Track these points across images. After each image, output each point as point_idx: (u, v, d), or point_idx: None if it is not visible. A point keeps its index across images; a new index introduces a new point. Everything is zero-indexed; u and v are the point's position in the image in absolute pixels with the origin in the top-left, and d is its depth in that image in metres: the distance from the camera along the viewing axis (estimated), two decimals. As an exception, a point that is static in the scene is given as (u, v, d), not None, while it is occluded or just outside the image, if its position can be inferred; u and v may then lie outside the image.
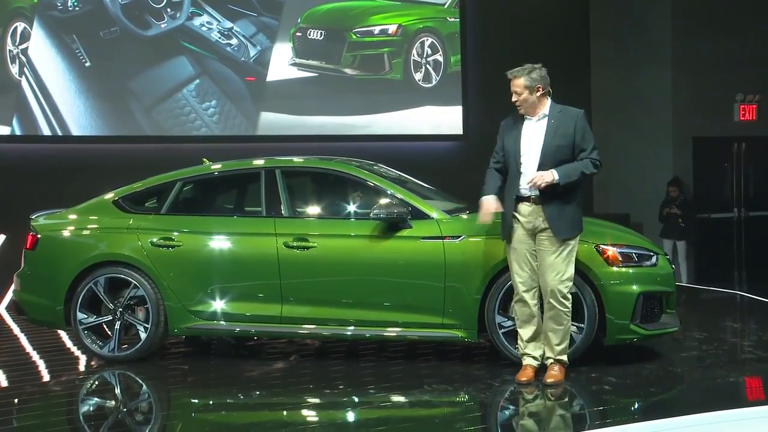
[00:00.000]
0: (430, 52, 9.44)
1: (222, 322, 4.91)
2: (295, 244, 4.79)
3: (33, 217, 5.33)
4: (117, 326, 4.98)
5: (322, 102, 9.07)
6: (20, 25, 8.10)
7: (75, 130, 8.32)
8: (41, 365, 5.30)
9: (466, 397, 4.23)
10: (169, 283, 4.92)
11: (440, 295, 4.64)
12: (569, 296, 4.30)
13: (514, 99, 4.35)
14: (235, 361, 5.13)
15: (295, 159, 5.25)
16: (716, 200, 9.88)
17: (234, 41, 8.82)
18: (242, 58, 8.86)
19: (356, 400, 4.25)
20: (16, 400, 4.41)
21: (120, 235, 5.03)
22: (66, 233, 5.17)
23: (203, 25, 8.72)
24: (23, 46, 8.11)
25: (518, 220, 4.33)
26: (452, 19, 9.55)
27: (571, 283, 4.30)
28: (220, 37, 8.77)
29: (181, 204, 5.21)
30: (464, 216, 4.89)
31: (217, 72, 8.76)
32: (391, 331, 4.74)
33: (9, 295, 7.08)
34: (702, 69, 9.50)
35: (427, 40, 9.44)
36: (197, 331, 5.01)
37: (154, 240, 4.97)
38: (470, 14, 9.69)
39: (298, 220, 4.94)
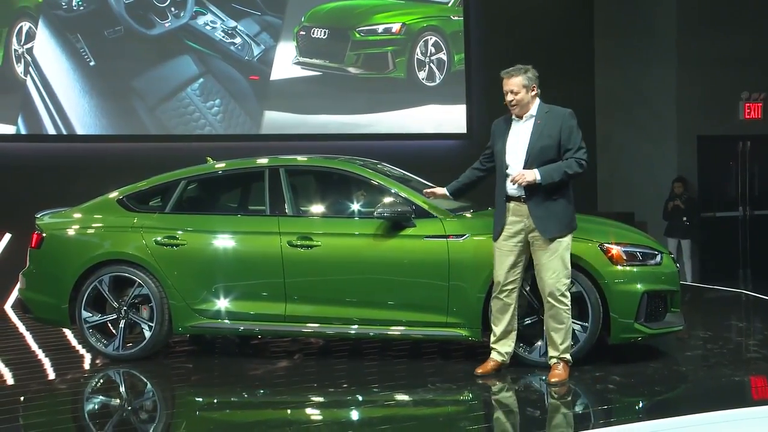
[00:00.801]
0: (433, 50, 9.43)
1: (226, 321, 4.92)
2: (299, 242, 4.79)
3: (38, 215, 5.35)
4: (121, 325, 4.99)
5: (326, 101, 9.07)
6: (25, 25, 8.12)
7: (79, 129, 8.34)
8: (47, 363, 5.32)
9: (470, 395, 4.23)
10: (173, 281, 4.92)
11: (444, 294, 4.63)
12: (568, 294, 4.32)
13: (509, 98, 4.36)
14: (240, 360, 5.14)
15: (299, 158, 5.25)
16: (721, 199, 9.86)
17: (238, 40, 8.83)
18: (246, 57, 8.86)
19: (360, 398, 4.25)
20: (22, 398, 4.43)
21: (124, 233, 5.04)
22: (71, 232, 5.19)
23: (207, 24, 8.73)
24: (28, 45, 8.13)
25: (508, 221, 4.36)
26: (456, 18, 9.54)
27: (568, 281, 4.31)
28: (223, 36, 8.78)
29: (185, 203, 5.22)
30: (468, 215, 4.89)
31: (221, 71, 8.77)
32: (395, 330, 4.74)
33: (15, 294, 7.10)
34: (707, 67, 9.47)
35: (431, 38, 9.43)
36: (201, 330, 5.02)
37: (159, 239, 4.97)
38: (474, 13, 9.69)
39: (302, 218, 4.94)
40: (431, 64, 9.40)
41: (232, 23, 8.82)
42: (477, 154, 10.20)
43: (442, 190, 4.70)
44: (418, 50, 9.34)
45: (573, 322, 4.54)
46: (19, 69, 8.13)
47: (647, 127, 9.98)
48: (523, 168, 4.29)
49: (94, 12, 8.35)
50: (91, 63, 8.35)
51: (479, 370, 4.44)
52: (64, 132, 8.29)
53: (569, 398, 4.19)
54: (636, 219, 9.46)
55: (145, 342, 4.96)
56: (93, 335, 5.03)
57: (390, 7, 9.36)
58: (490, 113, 9.71)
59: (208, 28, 8.73)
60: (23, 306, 5.36)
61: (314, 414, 4.12)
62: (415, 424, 3.85)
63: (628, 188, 10.16)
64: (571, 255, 4.51)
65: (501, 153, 4.41)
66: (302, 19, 9.06)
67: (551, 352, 4.37)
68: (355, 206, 5.05)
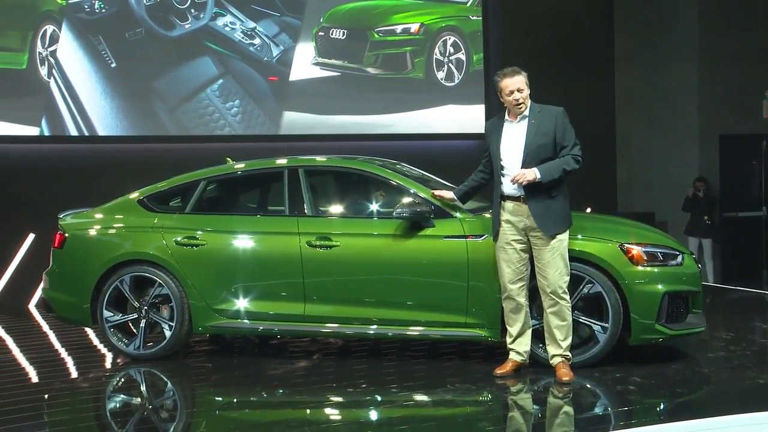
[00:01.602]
0: (452, 50, 9.41)
1: (245, 321, 4.94)
2: (318, 243, 4.81)
3: (61, 216, 5.41)
4: (142, 324, 5.03)
5: (345, 101, 9.09)
6: (49, 28, 8.23)
7: (101, 131, 8.43)
8: (69, 362, 5.38)
9: (490, 396, 4.22)
10: (193, 281, 4.96)
11: (463, 294, 4.62)
12: (567, 291, 4.34)
13: (516, 97, 4.37)
14: (259, 360, 5.16)
15: (318, 158, 5.27)
16: (744, 199, 9.74)
17: (257, 41, 8.87)
18: (265, 58, 8.90)
19: (379, 398, 4.25)
20: (46, 396, 4.49)
21: (145, 234, 5.08)
22: (92, 232, 5.24)
23: (227, 26, 8.78)
24: (52, 48, 8.23)
25: (507, 221, 4.38)
26: (475, 18, 9.51)
27: (568, 278, 4.35)
28: (243, 37, 8.82)
29: (204, 203, 5.25)
30: (487, 215, 4.87)
31: (240, 72, 8.82)
32: (414, 330, 4.73)
33: (38, 293, 7.19)
34: (729, 65, 9.36)
35: (450, 38, 9.41)
36: (221, 330, 5.05)
37: (179, 239, 5.01)
38: (492, 12, 9.65)
39: (321, 219, 4.95)
40: (450, 64, 9.38)
41: (252, 24, 8.87)
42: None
43: (450, 194, 4.72)
44: (436, 50, 9.32)
45: (593, 323, 4.52)
46: (43, 71, 8.23)
47: (668, 127, 9.88)
48: (521, 167, 4.32)
49: (115, 14, 8.44)
50: (113, 65, 8.43)
51: (498, 371, 4.43)
52: (86, 133, 8.39)
53: (589, 399, 4.17)
54: (656, 219, 9.38)
55: (165, 341, 5.00)
56: (114, 334, 5.08)
57: (408, 7, 9.35)
58: (509, 113, 9.74)
59: (227, 29, 8.78)
60: (46, 305, 5.43)
61: (333, 414, 4.13)
62: (433, 425, 3.85)
63: (649, 188, 10.07)
64: (591, 255, 4.50)
65: (496, 154, 4.45)
66: (321, 20, 9.08)
67: (554, 350, 4.37)
68: (374, 206, 5.05)
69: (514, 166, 4.36)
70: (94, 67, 8.40)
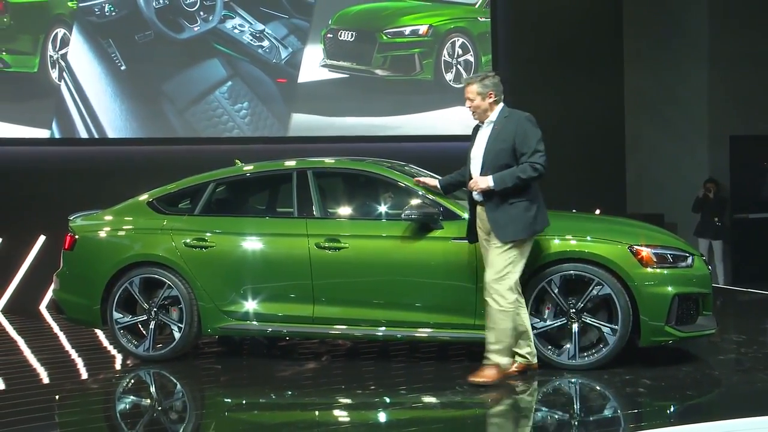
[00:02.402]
0: (460, 52, 9.40)
1: (254, 323, 4.95)
2: (326, 244, 4.81)
3: (71, 218, 5.44)
4: (152, 326, 5.05)
5: (353, 103, 9.10)
6: (60, 31, 8.28)
7: (111, 133, 8.47)
8: (79, 363, 5.41)
9: (498, 398, 4.21)
10: (202, 283, 4.97)
11: (472, 296, 4.62)
12: (507, 297, 4.27)
13: (467, 105, 4.49)
14: (268, 361, 5.17)
15: (327, 160, 5.27)
16: (754, 200, 9.68)
17: (265, 43, 8.90)
18: (274, 60, 8.93)
19: (388, 400, 4.25)
20: (57, 397, 4.52)
21: (154, 235, 5.10)
22: (102, 234, 5.27)
23: (235, 28, 8.81)
24: (63, 51, 8.28)
25: (478, 223, 4.44)
26: (483, 19, 9.50)
27: (509, 283, 4.28)
28: (251, 40, 8.85)
29: (213, 205, 5.27)
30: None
31: (248, 74, 8.84)
32: (423, 332, 4.73)
33: (49, 294, 7.23)
34: (739, 66, 9.31)
35: (458, 40, 9.41)
36: (230, 331, 5.06)
37: (188, 241, 5.03)
38: (501, 14, 9.64)
39: (330, 220, 4.96)
40: (458, 66, 9.38)
41: (260, 26, 8.89)
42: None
43: (434, 182, 4.79)
44: (445, 52, 9.32)
45: (602, 325, 4.51)
46: (54, 74, 8.28)
47: (678, 127, 9.84)
48: (480, 173, 4.36)
49: (125, 17, 8.48)
50: (122, 67, 8.47)
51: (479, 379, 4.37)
52: (96, 135, 8.43)
53: (598, 401, 4.15)
54: (666, 220, 9.34)
55: (174, 343, 5.02)
56: (124, 336, 5.10)
57: (417, 9, 9.35)
58: (517, 114, 9.72)
59: (236, 31, 8.81)
60: (57, 307, 5.45)
61: (342, 415, 4.13)
62: (442, 427, 3.84)
63: (658, 189, 10.02)
64: (600, 257, 4.48)
65: (467, 158, 4.51)
66: (329, 22, 9.10)
67: (486, 351, 4.36)
68: (383, 208, 5.06)
69: (476, 171, 4.41)
70: (104, 69, 8.45)
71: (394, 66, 9.17)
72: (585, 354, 4.53)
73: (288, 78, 8.98)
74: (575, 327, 4.53)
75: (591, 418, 3.90)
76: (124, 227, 5.23)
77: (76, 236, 5.29)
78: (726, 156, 9.49)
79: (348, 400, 4.30)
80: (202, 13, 8.68)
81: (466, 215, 4.72)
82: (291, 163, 5.19)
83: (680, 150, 9.80)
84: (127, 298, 5.11)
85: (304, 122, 9.01)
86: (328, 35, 9.10)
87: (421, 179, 4.84)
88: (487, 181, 4.29)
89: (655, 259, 4.51)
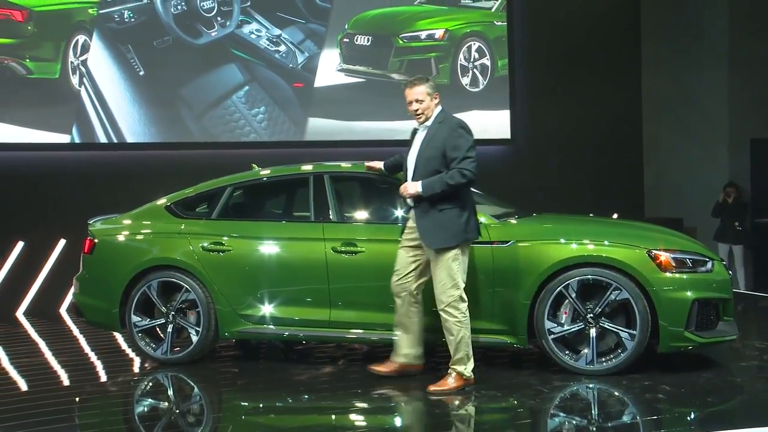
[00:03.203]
0: (477, 56, 9.39)
1: (271, 326, 4.97)
2: (343, 249, 4.82)
3: (90, 222, 5.49)
4: (169, 329, 5.08)
5: (370, 107, 9.11)
6: (81, 38, 8.37)
7: (129, 137, 8.55)
8: (99, 366, 5.45)
9: (515, 403, 4.19)
10: (219, 287, 5.00)
11: (489, 301, 4.61)
12: (459, 307, 4.29)
13: (415, 107, 4.42)
14: (284, 365, 5.18)
15: (343, 164, 5.28)
16: (776, 204, 9.56)
17: (282, 48, 8.94)
18: (290, 65, 8.97)
19: (404, 404, 4.24)
20: (77, 399, 4.57)
21: (172, 239, 5.14)
22: (121, 238, 5.31)
23: (252, 33, 8.86)
24: (83, 57, 8.37)
25: (410, 225, 4.45)
26: (499, 23, 9.48)
27: (456, 292, 4.29)
28: (268, 44, 8.89)
29: (231, 209, 5.29)
30: (513, 221, 4.85)
31: (265, 78, 8.89)
32: (439, 336, 4.71)
33: (69, 297, 7.30)
34: (760, 69, 9.21)
35: (474, 44, 9.39)
36: (247, 335, 5.08)
37: (205, 244, 5.06)
38: (517, 17, 9.61)
39: (347, 225, 4.96)
40: (475, 70, 9.36)
41: (277, 31, 8.94)
42: (521, 159, 10.12)
43: (379, 164, 4.82)
44: (461, 56, 9.31)
45: (620, 330, 4.47)
46: (75, 80, 8.37)
47: (697, 131, 9.75)
48: (412, 178, 4.35)
49: (144, 23, 8.56)
50: (141, 72, 8.55)
51: (377, 369, 4.58)
52: (115, 140, 8.51)
53: (617, 407, 4.12)
54: (685, 225, 9.25)
55: (192, 346, 5.04)
56: (142, 339, 5.14)
57: (433, 13, 9.35)
58: (533, 119, 9.70)
59: (253, 36, 8.86)
60: (77, 310, 5.51)
61: (358, 420, 4.13)
62: (459, 432, 3.83)
63: (677, 193, 9.93)
64: (618, 261, 4.45)
65: (404, 161, 4.51)
66: (346, 27, 9.13)
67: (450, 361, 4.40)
68: (399, 212, 5.06)
69: (409, 176, 4.41)
70: (123, 75, 8.52)
71: (411, 70, 9.17)
72: (603, 359, 4.50)
73: (305, 82, 9.01)
74: (593, 332, 4.50)
75: (609, 424, 3.87)
76: (143, 231, 5.27)
77: (96, 240, 5.34)
78: (746, 159, 9.38)
79: (364, 405, 4.29)
80: (219, 18, 8.74)
81: (482, 219, 4.71)
82: (308, 168, 5.21)
83: (700, 153, 9.70)
84: (146, 302, 5.14)
85: (320, 126, 9.04)
86: (345, 40, 9.13)
87: (369, 164, 4.89)
88: (416, 187, 4.29)
89: (674, 264, 4.47)
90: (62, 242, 8.05)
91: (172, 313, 5.07)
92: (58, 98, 8.34)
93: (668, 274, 4.45)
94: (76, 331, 6.76)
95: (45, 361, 5.66)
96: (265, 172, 5.35)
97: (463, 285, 4.31)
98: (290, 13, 9.00)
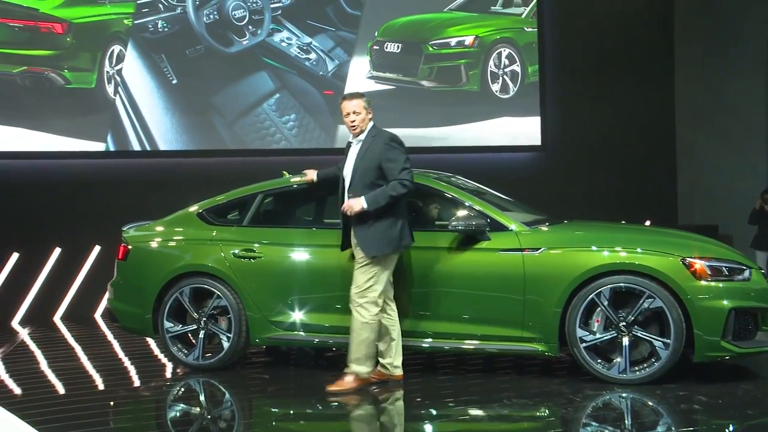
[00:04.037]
0: (507, 62, 9.35)
1: (301, 333, 4.99)
2: (373, 255, 4.82)
3: (124, 228, 5.58)
4: (201, 335, 5.13)
5: (400, 114, 9.11)
6: (116, 48, 8.53)
7: (162, 145, 8.67)
8: (132, 371, 5.53)
9: (547, 411, 4.15)
10: (250, 293, 5.03)
11: (520, 308, 4.57)
12: (370, 309, 4.39)
13: (351, 119, 4.52)
14: (314, 372, 5.20)
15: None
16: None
17: (312, 56, 9.00)
18: (320, 72, 9.02)
19: (434, 412, 4.22)
20: (111, 403, 4.63)
21: (204, 246, 5.19)
22: (154, 244, 5.38)
23: (283, 41, 8.94)
24: (118, 67, 8.53)
25: (351, 237, 4.52)
26: (530, 29, 9.43)
27: (372, 297, 4.41)
28: (299, 52, 8.96)
29: (262, 216, 5.34)
30: (544, 228, 4.81)
31: (296, 86, 8.95)
32: (470, 344, 4.70)
33: (104, 303, 7.42)
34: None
35: (505, 50, 9.36)
36: (277, 341, 5.11)
37: (236, 251, 5.10)
38: (548, 24, 9.55)
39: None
40: (505, 77, 9.32)
41: (307, 39, 9.00)
42: (551, 166, 10.02)
43: (312, 175, 4.95)
44: (491, 62, 9.28)
45: (654, 339, 4.40)
46: (110, 89, 8.53)
47: (733, 137, 9.57)
48: (348, 189, 4.45)
49: (177, 33, 8.69)
50: (174, 81, 8.68)
51: (334, 388, 4.53)
52: (149, 148, 8.64)
53: (651, 418, 4.05)
54: (720, 232, 9.08)
55: (223, 352, 5.08)
56: (174, 345, 5.19)
57: (463, 20, 9.34)
58: (564, 125, 9.62)
59: (283, 44, 8.94)
60: (111, 315, 5.59)
61: (388, 427, 4.11)
62: (490, 441, 3.80)
63: (712, 200, 9.76)
64: (651, 269, 4.38)
65: (340, 174, 4.60)
66: (376, 34, 9.16)
67: (347, 360, 4.50)
68: (430, 219, 5.05)
69: (345, 186, 4.51)
70: (157, 84, 8.66)
71: (441, 77, 9.17)
72: (636, 368, 4.43)
73: (335, 90, 9.06)
74: (626, 340, 4.44)
75: (643, 435, 3.81)
76: (175, 238, 5.34)
77: (129, 246, 5.42)
78: (785, 166, 9.21)
79: (392, 411, 4.28)
80: (250, 27, 8.84)
81: (513, 226, 4.68)
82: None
83: (736, 160, 9.53)
84: (178, 308, 5.20)
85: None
86: (375, 47, 9.16)
87: (305, 171, 5.00)
88: (360, 203, 4.37)
89: (709, 272, 4.39)
90: (97, 248, 8.19)
91: (204, 319, 5.12)
92: (94, 107, 8.50)
93: (703, 282, 4.37)
94: (110, 336, 6.87)
95: (81, 365, 5.75)
96: (296, 179, 5.38)
97: (380, 290, 4.43)
98: (320, 21, 9.06)
